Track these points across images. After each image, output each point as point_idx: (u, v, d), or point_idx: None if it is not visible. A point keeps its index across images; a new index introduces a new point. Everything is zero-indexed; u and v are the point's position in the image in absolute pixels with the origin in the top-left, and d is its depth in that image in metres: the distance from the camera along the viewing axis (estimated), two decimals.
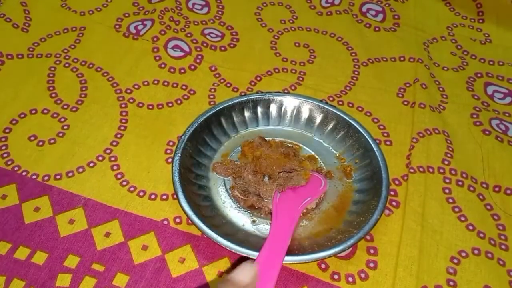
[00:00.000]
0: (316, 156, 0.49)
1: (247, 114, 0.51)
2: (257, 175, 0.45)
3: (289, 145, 0.49)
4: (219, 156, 0.48)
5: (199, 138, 0.47)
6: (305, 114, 0.51)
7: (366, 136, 0.48)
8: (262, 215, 0.43)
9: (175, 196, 0.42)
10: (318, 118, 0.51)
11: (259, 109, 0.51)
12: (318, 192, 0.44)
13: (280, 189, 0.44)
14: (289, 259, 0.38)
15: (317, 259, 0.39)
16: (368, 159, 0.47)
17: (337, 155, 0.49)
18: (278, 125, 0.51)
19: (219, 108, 0.49)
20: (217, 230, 0.40)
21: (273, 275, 0.33)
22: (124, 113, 0.52)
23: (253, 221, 0.43)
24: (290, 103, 0.51)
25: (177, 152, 0.45)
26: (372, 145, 0.47)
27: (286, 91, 0.55)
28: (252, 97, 0.51)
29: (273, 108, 0.51)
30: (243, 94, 0.54)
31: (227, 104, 0.50)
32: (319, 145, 0.50)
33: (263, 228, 0.43)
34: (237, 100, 0.50)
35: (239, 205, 0.44)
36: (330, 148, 0.50)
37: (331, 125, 0.50)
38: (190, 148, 0.46)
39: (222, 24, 0.63)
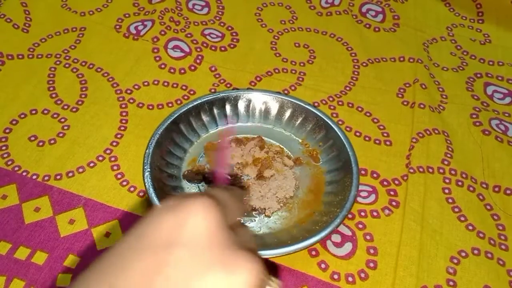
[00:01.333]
0: (281, 146, 0.49)
1: (204, 117, 0.50)
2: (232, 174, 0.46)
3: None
4: (186, 164, 0.47)
5: (163, 149, 0.46)
6: (260, 107, 0.51)
7: (325, 118, 0.49)
8: (245, 214, 0.44)
9: None
10: (274, 109, 0.51)
11: (215, 110, 0.51)
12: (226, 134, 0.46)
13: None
14: (285, 250, 0.39)
15: (312, 244, 0.40)
16: (331, 139, 0.48)
17: (300, 141, 0.50)
18: (237, 122, 0.51)
19: (176, 115, 0.48)
20: None
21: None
22: (124, 113, 0.52)
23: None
24: (244, 99, 0.51)
25: (145, 167, 0.43)
26: (332, 125, 0.48)
27: (286, 92, 0.55)
28: (207, 98, 0.50)
29: (228, 107, 0.51)
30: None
31: (184, 109, 0.48)
32: (280, 134, 0.51)
33: (248, 225, 0.43)
34: (192, 105, 0.49)
35: None
36: (292, 135, 0.51)
37: (288, 114, 0.51)
38: (157, 161, 0.45)
39: (222, 24, 0.63)
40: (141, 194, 0.45)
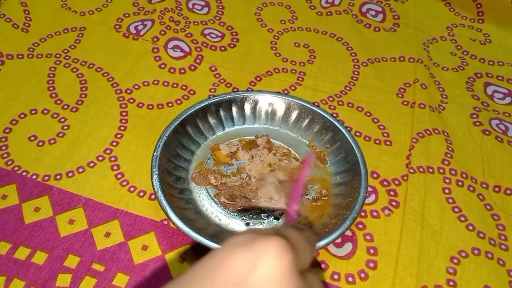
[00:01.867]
0: (289, 148, 0.49)
1: (211, 119, 0.50)
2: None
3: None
4: (193, 167, 0.47)
5: (170, 152, 0.46)
6: (267, 109, 0.51)
7: (332, 120, 0.48)
8: (254, 216, 0.43)
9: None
10: (281, 110, 0.51)
11: (222, 112, 0.50)
12: (309, 164, 0.44)
13: (288, 201, 0.43)
14: None
15: (322, 247, 0.39)
16: (338, 141, 0.48)
17: (307, 143, 0.50)
18: (244, 124, 0.51)
19: (183, 117, 0.48)
20: (216, 240, 0.39)
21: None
22: (124, 113, 0.52)
23: (247, 224, 0.43)
24: (250, 100, 0.51)
25: (153, 170, 0.43)
26: (339, 127, 0.48)
27: (286, 91, 0.55)
28: (213, 100, 0.49)
29: (235, 109, 0.51)
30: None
31: (190, 111, 0.48)
32: (287, 136, 0.50)
33: (257, 227, 0.43)
34: (198, 106, 0.49)
35: (228, 211, 0.44)
36: (299, 137, 0.50)
37: (294, 115, 0.51)
38: (165, 163, 0.45)
39: (222, 24, 0.63)
40: (141, 194, 0.45)
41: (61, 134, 0.49)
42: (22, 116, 0.50)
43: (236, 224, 0.43)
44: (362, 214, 0.45)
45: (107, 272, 0.39)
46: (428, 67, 0.59)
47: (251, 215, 0.43)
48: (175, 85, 0.55)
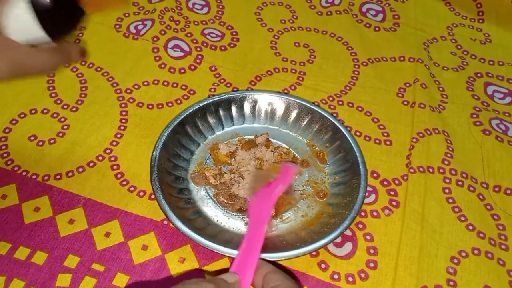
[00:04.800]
0: (288, 148, 0.49)
1: (210, 118, 0.50)
2: (235, 174, 0.46)
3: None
4: (193, 166, 0.47)
5: (170, 152, 0.46)
6: (266, 108, 0.51)
7: (331, 119, 0.48)
8: None
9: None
10: (280, 110, 0.51)
11: (221, 112, 0.50)
12: (288, 178, 0.43)
13: (252, 192, 0.43)
14: (294, 253, 0.39)
15: (322, 246, 0.39)
16: (338, 140, 0.48)
17: (307, 142, 0.50)
18: (243, 124, 0.51)
19: (182, 116, 0.48)
20: (215, 240, 0.39)
21: (249, 276, 0.34)
22: (124, 113, 0.52)
23: (246, 223, 0.43)
24: (249, 100, 0.51)
25: (153, 170, 0.43)
26: (339, 126, 0.48)
27: (286, 91, 0.55)
28: (212, 100, 0.49)
29: (234, 108, 0.51)
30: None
31: (190, 111, 0.48)
32: (286, 135, 0.50)
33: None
34: (198, 106, 0.49)
35: (228, 211, 0.44)
36: (298, 136, 0.50)
37: (294, 115, 0.51)
38: (164, 163, 0.45)
39: (222, 24, 0.63)
40: (141, 194, 0.45)
41: (61, 134, 0.49)
42: (22, 116, 0.50)
43: (235, 224, 0.43)
44: (362, 214, 0.45)
45: (107, 272, 0.39)
46: (428, 67, 0.59)
47: None
48: (175, 85, 0.55)
